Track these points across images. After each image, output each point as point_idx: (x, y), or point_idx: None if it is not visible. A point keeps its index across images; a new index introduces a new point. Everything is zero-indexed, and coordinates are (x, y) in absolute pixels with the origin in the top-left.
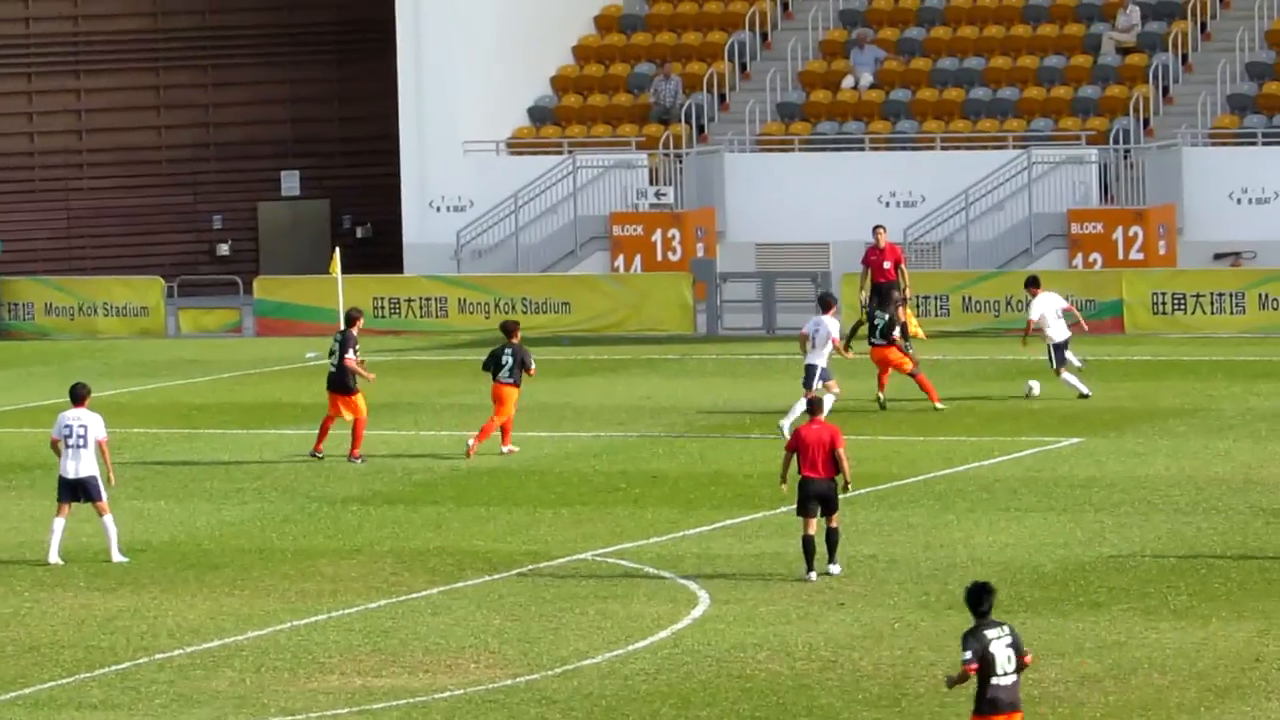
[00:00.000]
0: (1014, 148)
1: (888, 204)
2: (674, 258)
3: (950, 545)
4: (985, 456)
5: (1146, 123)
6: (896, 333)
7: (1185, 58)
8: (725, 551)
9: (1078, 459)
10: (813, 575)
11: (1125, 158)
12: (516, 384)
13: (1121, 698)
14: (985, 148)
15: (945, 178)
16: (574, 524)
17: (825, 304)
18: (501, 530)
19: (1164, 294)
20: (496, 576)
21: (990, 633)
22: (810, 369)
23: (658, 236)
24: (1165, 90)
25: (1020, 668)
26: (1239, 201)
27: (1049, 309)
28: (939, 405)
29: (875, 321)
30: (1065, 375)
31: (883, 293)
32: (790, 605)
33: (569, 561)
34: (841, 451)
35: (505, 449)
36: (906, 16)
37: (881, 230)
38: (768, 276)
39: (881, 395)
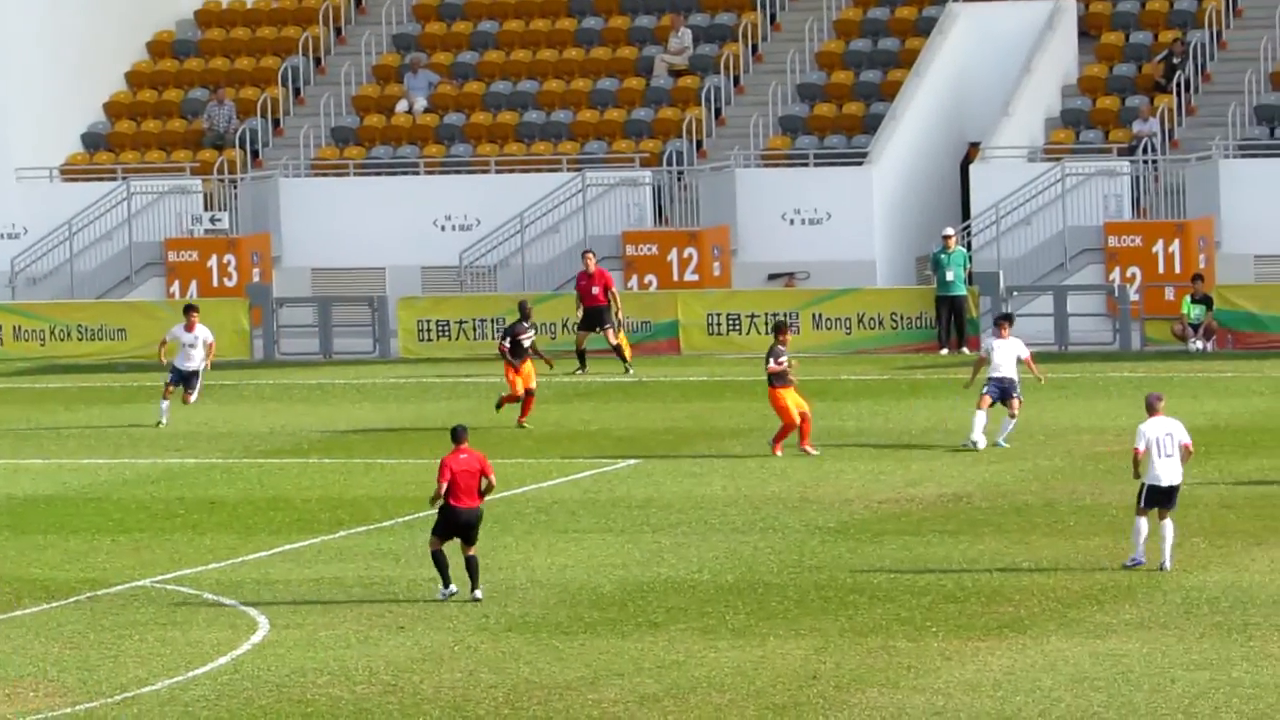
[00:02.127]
0: (568, 170)
1: (443, 228)
2: (230, 283)
3: (509, 567)
4: (543, 478)
5: (700, 144)
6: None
7: (737, 80)
8: (284, 576)
9: (635, 480)
10: (450, 589)
11: (679, 179)
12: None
13: (680, 717)
14: (540, 170)
15: (500, 201)
16: (132, 551)
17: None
18: (59, 558)
19: (719, 315)
20: (55, 604)
21: None
22: None
23: (213, 262)
24: (718, 112)
25: None
26: (792, 222)
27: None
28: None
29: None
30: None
31: (593, 317)
32: (350, 629)
33: (128, 589)
34: (492, 479)
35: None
36: (460, 41)
37: (590, 255)
38: (324, 301)
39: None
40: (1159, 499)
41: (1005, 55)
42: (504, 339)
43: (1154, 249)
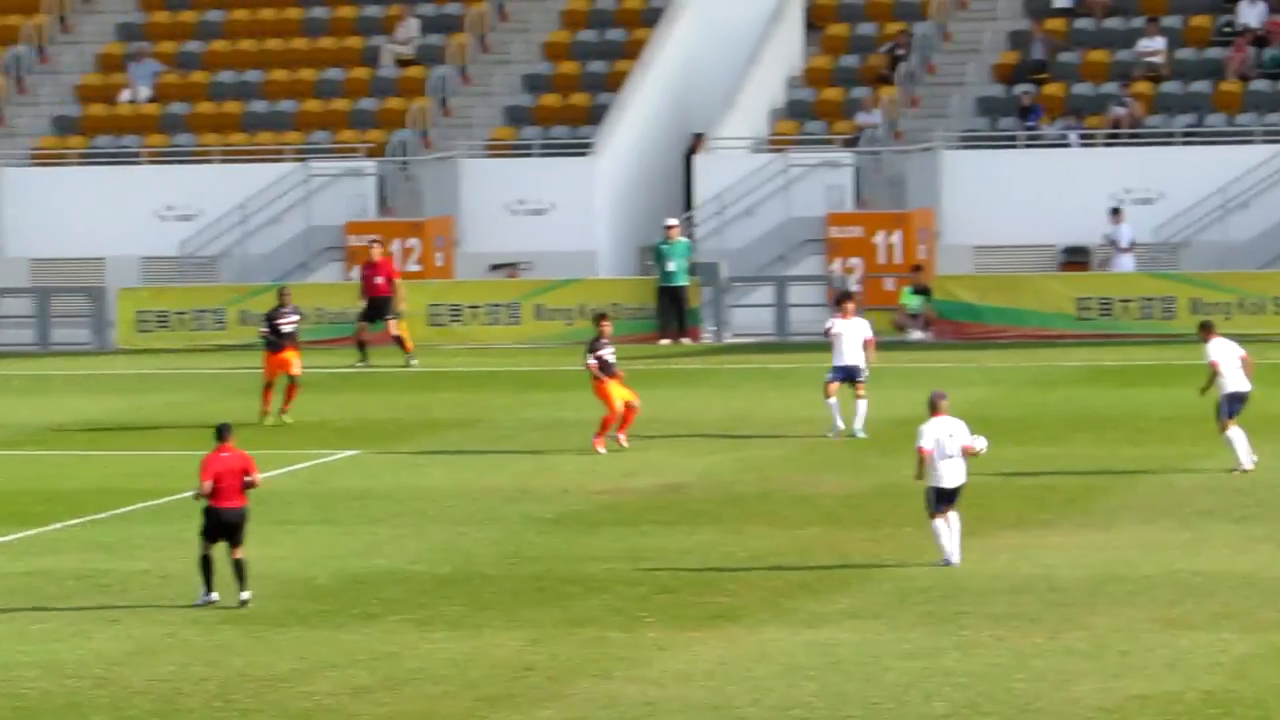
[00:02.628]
0: (293, 160)
1: (164, 218)
2: None
3: (224, 559)
4: (260, 469)
5: (425, 135)
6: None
7: (464, 70)
8: None
9: (353, 471)
10: (213, 595)
11: (404, 170)
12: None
13: (394, 708)
14: (264, 160)
15: (223, 191)
16: None
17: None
18: None
19: (441, 306)
20: None
21: None
22: None
23: None
24: (444, 102)
25: None
26: (516, 213)
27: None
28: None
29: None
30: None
31: (376, 307)
32: (62, 623)
33: None
34: (257, 478)
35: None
36: (185, 30)
37: (376, 245)
38: (42, 292)
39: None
40: (945, 499)
41: (731, 46)
42: (265, 326)
43: (875, 240)
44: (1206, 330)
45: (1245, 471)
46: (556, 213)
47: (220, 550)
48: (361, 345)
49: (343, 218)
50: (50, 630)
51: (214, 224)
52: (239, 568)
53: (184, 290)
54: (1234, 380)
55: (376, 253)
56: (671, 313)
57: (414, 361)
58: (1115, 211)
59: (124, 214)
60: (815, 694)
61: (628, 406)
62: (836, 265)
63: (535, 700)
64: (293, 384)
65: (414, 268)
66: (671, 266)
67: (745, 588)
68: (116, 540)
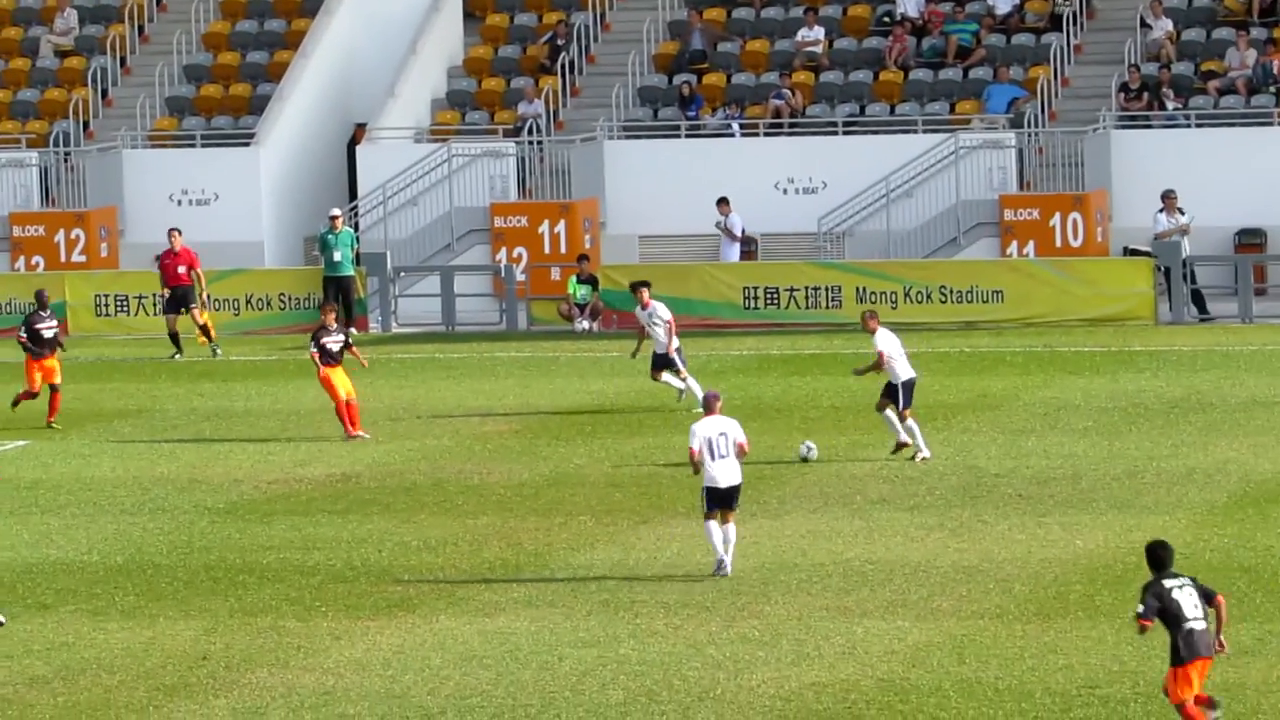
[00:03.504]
0: None
1: None
2: None
3: None
4: None
5: (87, 125)
6: None
7: (124, 60)
8: None
9: (23, 461)
10: None
11: (66, 160)
12: None
13: (70, 699)
14: None
15: None
16: None
17: None
18: None
19: (107, 296)
20: None
21: (1168, 582)
22: None
23: None
24: (105, 93)
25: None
26: (180, 203)
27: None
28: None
29: None
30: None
31: (178, 297)
32: None
33: None
34: None
35: None
36: None
37: (176, 234)
38: None
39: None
40: (719, 500)
41: (391, 37)
42: (22, 331)
43: (540, 229)
44: (872, 319)
45: (925, 459)
46: (220, 203)
47: None
48: (174, 337)
49: (7, 208)
50: None
51: None
52: None
53: None
54: (904, 369)
55: (177, 243)
56: (338, 303)
57: (219, 351)
58: (723, 201)
59: None
60: (492, 682)
61: (348, 399)
62: (502, 256)
63: (212, 689)
64: (55, 391)
65: (79, 258)
66: (337, 256)
67: (420, 577)
68: None
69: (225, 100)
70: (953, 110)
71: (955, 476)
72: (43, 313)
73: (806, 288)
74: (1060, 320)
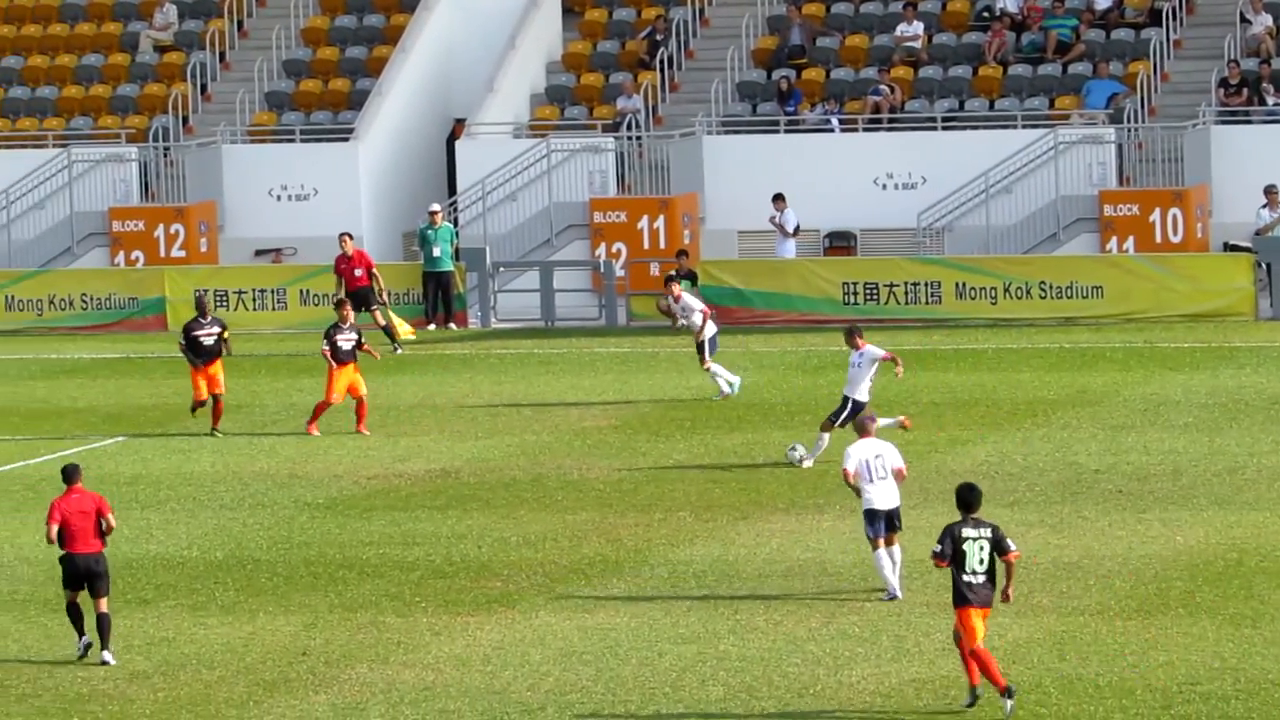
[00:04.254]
0: (54, 146)
1: None
2: None
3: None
4: (31, 455)
5: (186, 120)
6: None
7: (223, 56)
8: None
9: (123, 456)
10: (85, 638)
11: (165, 155)
12: None
13: (170, 694)
14: (25, 147)
15: None
16: None
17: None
18: None
19: (206, 291)
20: None
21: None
22: None
23: None
24: (204, 88)
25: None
26: (279, 198)
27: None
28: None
29: None
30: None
31: (359, 299)
32: None
33: None
34: (111, 519)
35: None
36: None
37: (348, 238)
38: None
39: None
40: (881, 522)
41: (490, 32)
42: (181, 340)
43: (639, 225)
44: (857, 335)
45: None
46: (320, 198)
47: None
48: (388, 330)
49: (106, 203)
50: None
51: None
52: (103, 624)
53: None
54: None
55: (349, 246)
56: (438, 298)
57: (401, 349)
58: (779, 198)
59: None
60: (592, 678)
61: (358, 399)
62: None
63: (312, 685)
64: (218, 401)
65: (178, 254)
66: (436, 252)
67: (519, 573)
68: None
69: (324, 95)
70: (1052, 106)
71: (1055, 472)
72: (202, 319)
73: (906, 283)
74: (1160, 316)
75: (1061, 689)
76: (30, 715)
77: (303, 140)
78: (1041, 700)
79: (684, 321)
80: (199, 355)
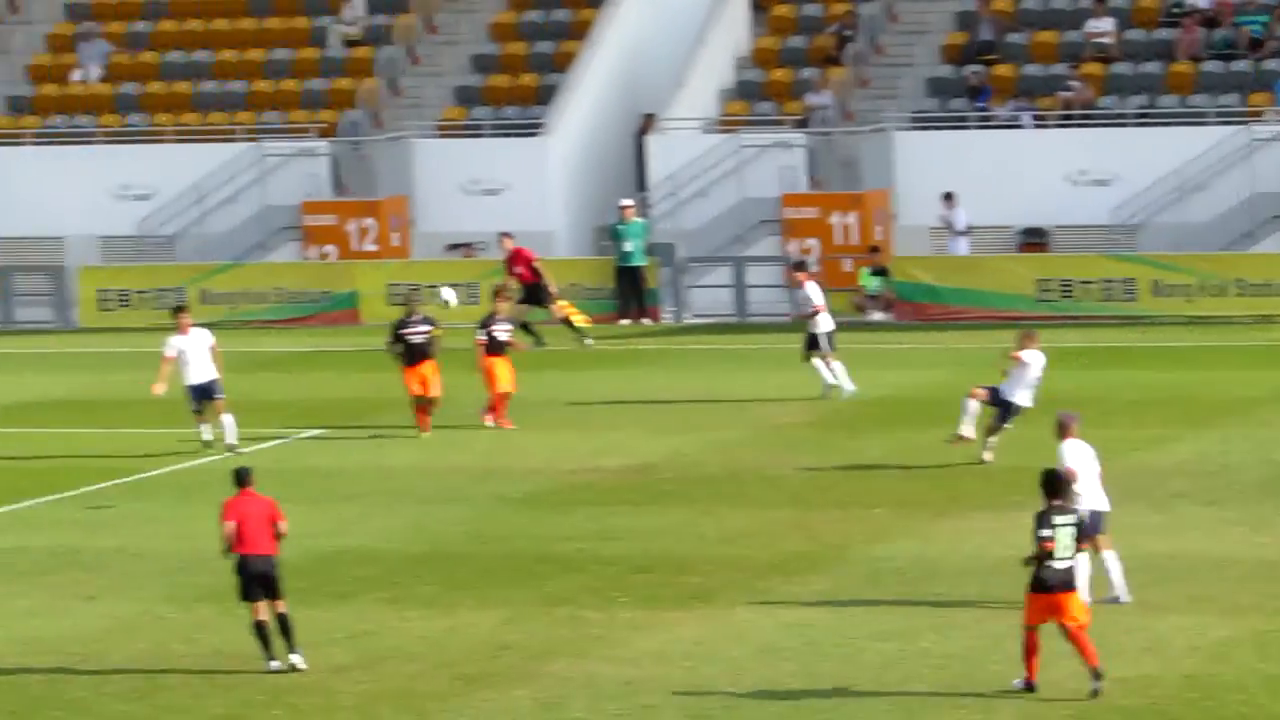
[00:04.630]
0: (246, 140)
1: (121, 197)
2: None
3: (196, 537)
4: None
5: (376, 115)
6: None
7: (412, 50)
8: None
9: (321, 450)
10: (274, 663)
11: (356, 150)
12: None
13: (372, 686)
14: (217, 140)
15: (177, 171)
16: None
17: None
18: None
19: (399, 285)
20: None
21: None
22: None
23: None
24: (393, 82)
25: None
26: (470, 193)
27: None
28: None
29: None
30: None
31: (533, 295)
32: (39, 600)
33: None
34: (284, 526)
35: None
36: (133, 10)
37: (507, 238)
38: (3, 270)
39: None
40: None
41: (678, 27)
42: (389, 338)
43: (831, 220)
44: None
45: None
46: (511, 193)
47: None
48: (526, 327)
49: (298, 197)
50: (28, 607)
51: (170, 203)
52: (284, 624)
53: (144, 269)
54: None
55: (508, 245)
56: (631, 293)
57: (590, 341)
58: (948, 196)
59: (81, 193)
60: (793, 674)
61: (502, 391)
62: (794, 246)
63: (512, 679)
64: (428, 403)
65: (370, 247)
66: (629, 247)
67: (718, 568)
68: (88, 517)
69: (513, 90)
70: (1245, 102)
71: (1255, 470)
72: (412, 318)
73: (1101, 280)
74: None
75: (1267, 690)
76: (234, 707)
77: (493, 135)
78: (1246, 701)
79: (805, 311)
80: (409, 355)
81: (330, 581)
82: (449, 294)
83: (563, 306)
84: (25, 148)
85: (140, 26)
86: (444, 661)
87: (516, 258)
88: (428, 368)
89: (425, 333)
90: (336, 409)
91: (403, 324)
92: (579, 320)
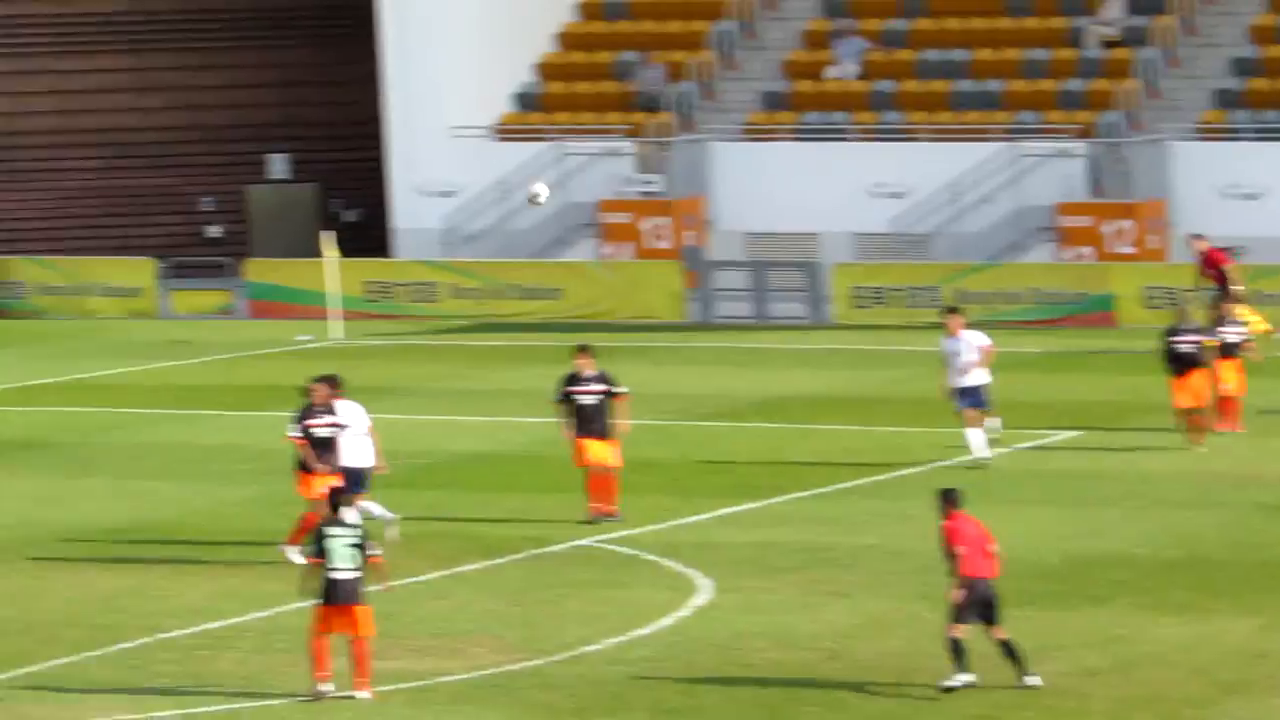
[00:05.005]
0: (1000, 140)
1: (875, 195)
2: (663, 245)
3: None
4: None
5: (1134, 117)
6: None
7: (1170, 52)
8: (724, 539)
9: (1075, 452)
10: (959, 679)
11: (1113, 152)
12: None
13: (1125, 691)
14: (970, 140)
15: (931, 169)
16: (571, 510)
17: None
18: (500, 515)
19: (1155, 288)
20: (497, 561)
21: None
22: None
23: (647, 225)
24: (1151, 84)
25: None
26: (1228, 197)
27: None
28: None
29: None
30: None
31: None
32: (791, 595)
33: (569, 547)
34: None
35: None
36: (890, 8)
37: (1194, 239)
38: (759, 266)
39: None
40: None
41: None
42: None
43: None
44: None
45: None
46: (1270, 197)
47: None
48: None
49: (1053, 198)
50: (780, 601)
51: (924, 202)
52: (1009, 649)
53: (899, 267)
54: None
55: (1201, 246)
56: None
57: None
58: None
59: (834, 190)
60: None
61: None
62: None
63: (1270, 688)
64: (1200, 415)
65: (1127, 250)
66: None
67: None
68: (841, 514)
69: (1273, 93)
70: None
71: None
72: (1184, 325)
73: None
74: None
75: None
76: (986, 708)
77: (1252, 139)
78: None
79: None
80: (1179, 365)
81: (1085, 585)
82: (540, 188)
83: (1245, 311)
84: (780, 143)
85: (897, 24)
86: (1198, 668)
87: (1207, 259)
88: (1198, 378)
89: (1195, 342)
90: (1093, 411)
91: (1173, 331)
92: (1259, 326)
